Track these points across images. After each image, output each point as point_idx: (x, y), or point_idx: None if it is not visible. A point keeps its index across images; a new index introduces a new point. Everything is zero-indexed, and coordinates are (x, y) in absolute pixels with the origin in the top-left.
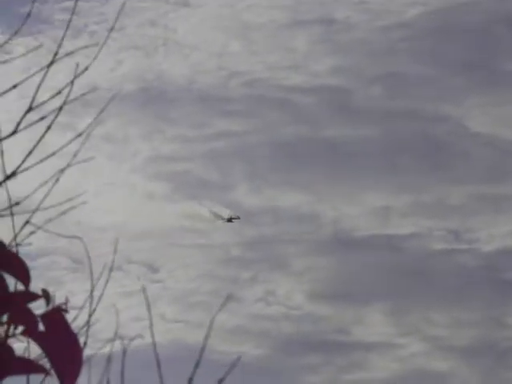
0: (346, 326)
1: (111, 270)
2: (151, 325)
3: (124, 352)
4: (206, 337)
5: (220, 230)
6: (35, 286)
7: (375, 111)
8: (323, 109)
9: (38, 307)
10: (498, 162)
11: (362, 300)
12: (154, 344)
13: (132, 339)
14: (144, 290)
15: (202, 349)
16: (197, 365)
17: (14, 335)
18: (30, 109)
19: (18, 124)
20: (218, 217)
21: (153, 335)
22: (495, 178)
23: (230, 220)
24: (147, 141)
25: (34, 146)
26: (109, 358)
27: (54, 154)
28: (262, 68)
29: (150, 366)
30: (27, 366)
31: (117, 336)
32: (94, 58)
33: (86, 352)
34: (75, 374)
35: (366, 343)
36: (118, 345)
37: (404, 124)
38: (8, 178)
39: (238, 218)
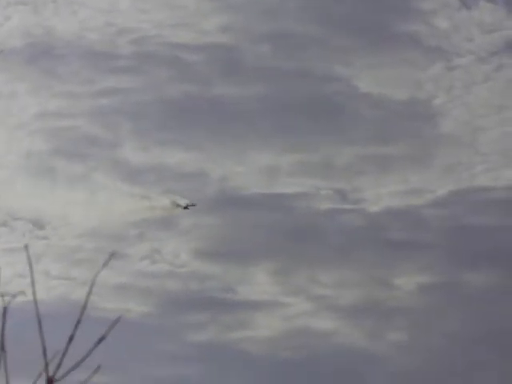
0: (233, 285)
1: None
2: (33, 282)
3: (5, 309)
4: (89, 294)
5: (106, 189)
6: None
7: (264, 70)
8: (212, 67)
9: None
10: (385, 122)
11: (249, 259)
12: (36, 302)
13: (14, 296)
14: (27, 247)
15: (84, 306)
16: (78, 322)
17: None
18: None
19: None
20: (177, 205)
21: (34, 293)
22: (383, 138)
23: (186, 207)
24: (34, 97)
25: None
26: None
27: None
28: (150, 25)
29: (34, 322)
30: None
31: None
32: None
33: None
34: None
35: (252, 302)
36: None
37: (293, 84)
38: None
39: (194, 204)
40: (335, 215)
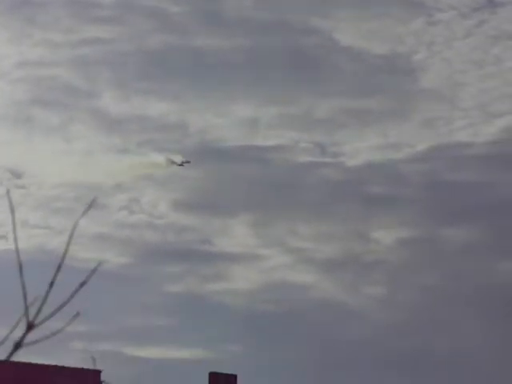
0: (211, 237)
1: None
2: (14, 227)
3: None
4: (69, 241)
5: (84, 137)
6: None
7: (245, 22)
8: (193, 18)
9: None
10: (365, 76)
11: (227, 211)
12: (17, 249)
13: None
14: (8, 193)
15: (65, 251)
16: (58, 268)
17: None
18: None
19: None
20: (172, 162)
21: (16, 238)
22: (362, 92)
23: (181, 164)
24: (15, 45)
25: None
26: None
27: None
28: None
29: (13, 270)
30: None
31: None
32: None
33: None
34: None
35: (230, 254)
36: None
37: (273, 36)
38: None
39: (188, 162)
40: (314, 168)
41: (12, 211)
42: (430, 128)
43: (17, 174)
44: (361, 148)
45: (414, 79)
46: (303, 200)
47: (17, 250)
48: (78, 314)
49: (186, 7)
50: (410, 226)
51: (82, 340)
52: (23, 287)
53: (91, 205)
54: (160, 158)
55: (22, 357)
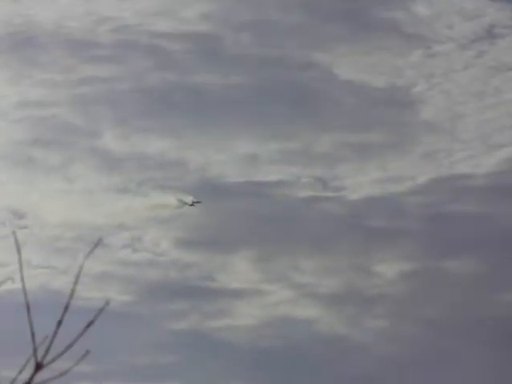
0: (213, 273)
1: None
2: (21, 269)
3: None
4: (75, 281)
5: (85, 176)
6: None
7: (245, 58)
8: (192, 55)
9: None
10: (365, 110)
11: (229, 247)
12: (25, 289)
13: (2, 282)
14: (15, 234)
15: (72, 291)
16: (66, 308)
17: None
18: None
19: None
20: (184, 203)
21: (23, 279)
22: (363, 126)
23: (192, 204)
24: (14, 85)
25: None
26: None
27: None
28: (130, 14)
29: (17, 310)
30: None
31: None
32: None
33: None
34: None
35: (233, 290)
36: None
37: (273, 72)
38: None
39: (199, 202)
40: (315, 203)
41: (18, 251)
42: (431, 160)
43: (19, 215)
44: (362, 182)
45: (414, 112)
46: (305, 235)
47: (24, 291)
48: (88, 352)
49: (186, 44)
50: (411, 259)
51: (87, 380)
52: (31, 327)
53: (97, 244)
54: (171, 199)
55: None
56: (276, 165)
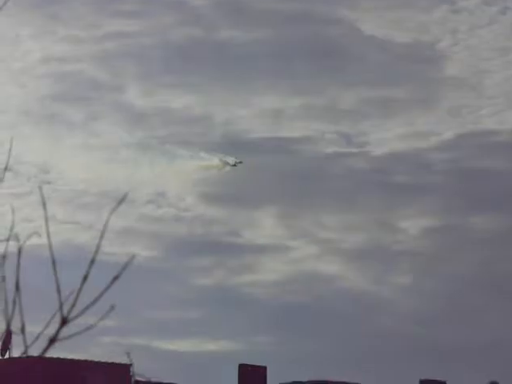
0: (238, 229)
1: (6, 169)
2: (47, 225)
3: (19, 249)
4: (101, 236)
5: (110, 132)
6: None
7: (269, 14)
8: (216, 11)
9: None
10: (390, 65)
11: (254, 203)
12: (51, 245)
13: (29, 236)
14: (41, 190)
15: (98, 246)
16: (91, 262)
17: None
18: None
19: None
20: (226, 163)
21: (48, 233)
22: (387, 81)
23: (234, 165)
24: (38, 41)
25: None
26: (3, 256)
27: None
28: None
29: (42, 265)
30: None
31: (12, 235)
32: None
33: None
34: None
35: (258, 246)
36: (12, 244)
37: (298, 27)
38: None
39: (241, 162)
40: (340, 159)
41: (44, 207)
42: (456, 116)
43: (44, 170)
44: (386, 137)
45: (439, 67)
46: (329, 191)
47: (50, 246)
48: (113, 308)
49: (209, 0)
50: (436, 215)
51: (112, 334)
52: (57, 283)
53: (122, 200)
54: (214, 160)
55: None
56: (300, 120)
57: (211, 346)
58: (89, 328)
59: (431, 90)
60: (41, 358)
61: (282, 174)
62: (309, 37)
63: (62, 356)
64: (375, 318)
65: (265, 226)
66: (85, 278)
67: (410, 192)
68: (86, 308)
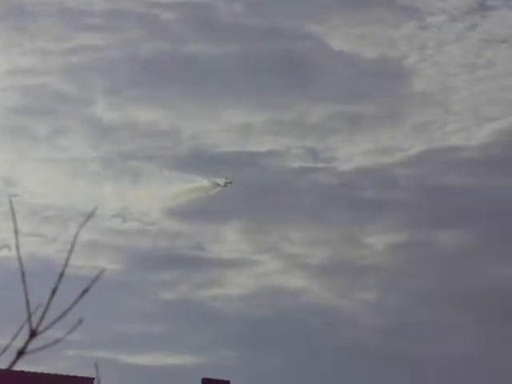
0: (203, 243)
1: None
2: (17, 237)
3: None
4: (71, 249)
5: (76, 145)
6: None
7: (238, 28)
8: (184, 25)
9: None
10: (357, 81)
11: (220, 217)
12: (20, 257)
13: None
14: (10, 202)
15: (67, 259)
16: (61, 275)
17: None
18: None
19: None
20: (216, 185)
21: (18, 248)
22: (355, 97)
23: (225, 185)
24: (4, 54)
25: None
26: None
27: None
28: None
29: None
30: None
31: None
32: None
33: None
34: None
35: (223, 260)
36: None
37: (266, 42)
38: None
39: (231, 182)
40: (307, 174)
41: (14, 219)
42: (422, 132)
43: (9, 183)
44: (353, 153)
45: (406, 83)
46: (295, 205)
47: (19, 259)
48: (81, 321)
49: (178, 14)
50: (402, 231)
51: (76, 348)
52: (26, 295)
53: (92, 214)
54: (204, 182)
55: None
56: (268, 135)
57: (175, 359)
58: (57, 341)
59: (398, 105)
60: (9, 371)
61: (249, 189)
62: (277, 51)
63: (25, 369)
64: (340, 333)
65: (231, 240)
66: (53, 291)
67: (376, 207)
68: (55, 321)
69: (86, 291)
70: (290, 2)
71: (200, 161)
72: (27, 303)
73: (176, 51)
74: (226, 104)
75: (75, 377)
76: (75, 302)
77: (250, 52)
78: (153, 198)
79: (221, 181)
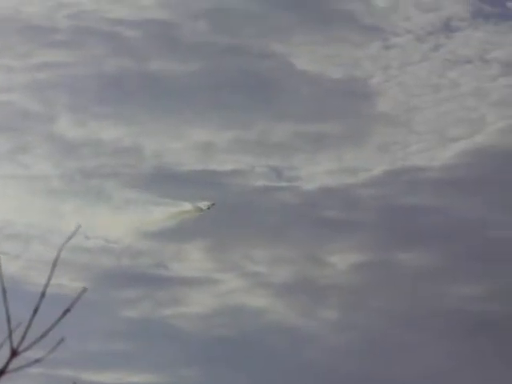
0: (166, 261)
1: None
2: None
3: None
4: (52, 269)
5: (38, 162)
6: None
7: (201, 46)
8: (149, 42)
9: None
10: (322, 100)
11: (182, 235)
12: (1, 276)
13: None
14: None
15: (48, 279)
16: (42, 295)
17: None
18: None
19: None
20: (199, 209)
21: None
22: (318, 116)
23: (208, 208)
24: None
25: None
26: None
27: None
28: (88, 0)
29: None
30: None
31: None
32: None
33: None
34: None
35: (186, 278)
36: None
37: (230, 60)
38: None
39: (214, 204)
40: (270, 193)
41: None
42: (386, 152)
43: None
44: (316, 172)
45: (370, 103)
46: (259, 224)
47: (0, 276)
48: (62, 340)
49: (142, 31)
50: (364, 251)
51: (40, 366)
52: (7, 313)
53: (74, 233)
54: (188, 206)
55: None
56: (231, 154)
57: (137, 378)
58: (38, 360)
59: (362, 125)
60: None
61: (212, 207)
62: (241, 70)
63: None
64: (303, 352)
65: (193, 258)
66: (35, 310)
67: (339, 227)
68: (37, 340)
69: (67, 311)
70: (254, 21)
71: (163, 179)
72: (8, 321)
73: (140, 69)
74: (189, 122)
75: None
76: (57, 321)
77: (214, 70)
78: (116, 218)
79: (203, 205)
